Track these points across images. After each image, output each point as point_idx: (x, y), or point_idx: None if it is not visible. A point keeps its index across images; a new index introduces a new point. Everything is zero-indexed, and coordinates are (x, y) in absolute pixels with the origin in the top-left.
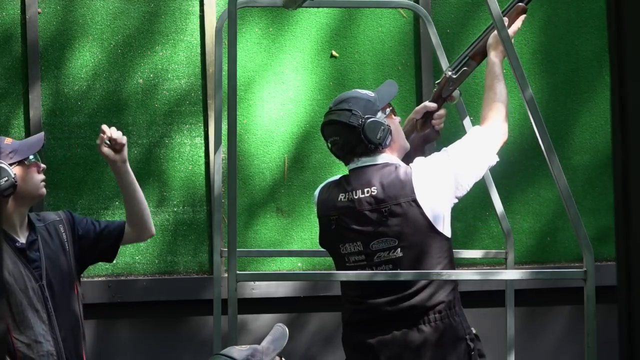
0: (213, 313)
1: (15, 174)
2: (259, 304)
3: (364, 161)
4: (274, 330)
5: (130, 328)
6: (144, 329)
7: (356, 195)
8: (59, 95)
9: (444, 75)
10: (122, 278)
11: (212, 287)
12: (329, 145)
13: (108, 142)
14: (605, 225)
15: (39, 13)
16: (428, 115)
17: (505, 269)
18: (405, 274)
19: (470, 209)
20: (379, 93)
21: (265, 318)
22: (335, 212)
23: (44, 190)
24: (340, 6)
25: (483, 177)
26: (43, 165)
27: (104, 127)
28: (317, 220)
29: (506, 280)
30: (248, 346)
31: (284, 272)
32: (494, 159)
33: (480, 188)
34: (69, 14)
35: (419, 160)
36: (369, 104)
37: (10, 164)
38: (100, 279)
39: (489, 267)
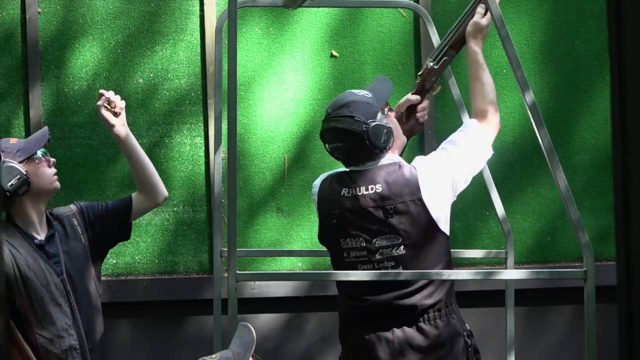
0: (213, 313)
1: (26, 171)
2: (259, 304)
3: (368, 165)
4: (240, 332)
5: (130, 328)
6: (144, 329)
7: (360, 192)
8: (59, 95)
9: (425, 66)
10: (122, 278)
11: (212, 287)
12: (329, 150)
13: (107, 104)
14: (605, 225)
15: (39, 13)
16: (412, 108)
17: (505, 269)
18: (406, 274)
19: (470, 209)
20: (374, 92)
21: (265, 318)
22: (338, 207)
23: (57, 184)
24: (340, 6)
25: (483, 177)
26: (53, 159)
27: (102, 90)
28: (317, 219)
29: (506, 280)
30: (217, 354)
31: (284, 272)
32: (490, 152)
33: (480, 188)
34: (69, 14)
35: (422, 160)
36: (368, 107)
37: (20, 162)
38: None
39: (489, 267)
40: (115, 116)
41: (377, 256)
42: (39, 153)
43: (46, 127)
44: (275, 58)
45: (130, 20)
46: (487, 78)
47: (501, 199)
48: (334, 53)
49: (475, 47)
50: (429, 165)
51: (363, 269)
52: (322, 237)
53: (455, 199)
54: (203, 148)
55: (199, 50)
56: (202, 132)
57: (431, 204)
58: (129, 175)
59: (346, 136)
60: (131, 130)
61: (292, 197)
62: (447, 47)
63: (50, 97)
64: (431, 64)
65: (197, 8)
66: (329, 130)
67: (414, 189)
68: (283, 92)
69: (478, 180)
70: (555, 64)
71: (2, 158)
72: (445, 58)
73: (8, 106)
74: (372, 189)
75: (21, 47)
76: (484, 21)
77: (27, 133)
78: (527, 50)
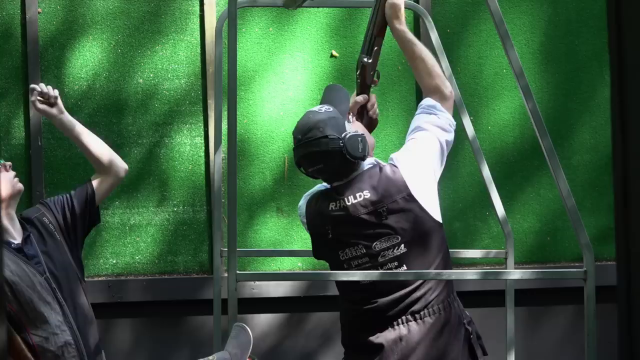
0: (213, 313)
1: None
2: (259, 304)
3: (351, 176)
4: (235, 333)
5: (130, 328)
6: (144, 329)
7: (349, 202)
8: (59, 95)
9: (359, 64)
10: (122, 278)
11: (212, 287)
12: (310, 174)
13: (41, 97)
14: (605, 225)
15: (39, 13)
16: (362, 108)
17: (505, 269)
18: (406, 274)
19: (470, 209)
20: (332, 103)
21: (265, 318)
22: (330, 222)
23: (19, 185)
24: (340, 6)
25: (483, 177)
26: (8, 163)
27: (33, 85)
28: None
29: (506, 280)
30: (214, 356)
31: (284, 272)
32: (454, 123)
33: (480, 188)
34: (69, 14)
35: (399, 156)
36: (335, 121)
37: None
38: (100, 279)
39: (489, 267)
40: (51, 107)
41: (380, 259)
42: None
43: None
44: (275, 58)
45: (130, 20)
46: (423, 52)
47: (501, 199)
48: (334, 53)
49: (399, 25)
50: (407, 159)
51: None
52: (318, 253)
53: (436, 181)
54: (203, 148)
55: (199, 50)
56: (202, 132)
57: (421, 197)
58: (129, 176)
59: (326, 157)
60: (131, 130)
61: (292, 197)
62: (373, 37)
63: None
64: (365, 59)
65: (197, 8)
66: (306, 156)
67: (401, 186)
68: (283, 92)
69: (478, 180)
70: (555, 64)
71: None
72: (375, 48)
73: (8, 106)
74: (360, 196)
75: (21, 47)
76: None
77: (27, 133)
78: (527, 50)
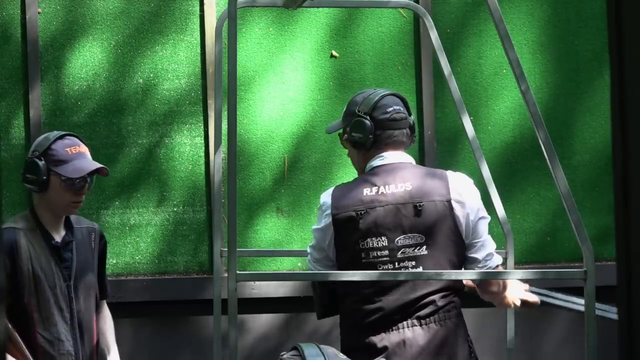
0: (213, 313)
1: (46, 178)
2: (259, 304)
3: (396, 157)
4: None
5: (130, 328)
6: (144, 329)
7: (388, 190)
8: (59, 95)
9: None
10: (122, 278)
11: (212, 287)
12: (389, 114)
13: None
14: (605, 225)
15: (39, 13)
16: None
17: (505, 269)
18: (405, 274)
19: None
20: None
21: (265, 318)
22: (363, 206)
23: (72, 210)
24: (340, 6)
25: (483, 177)
26: (82, 192)
27: None
28: (321, 220)
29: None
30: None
31: (284, 272)
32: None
33: (480, 188)
34: (69, 14)
35: (454, 172)
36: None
37: (49, 169)
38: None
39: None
40: None
41: (399, 255)
42: (74, 178)
43: (102, 167)
44: (275, 58)
45: (130, 20)
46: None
47: (501, 199)
48: (334, 53)
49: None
50: (464, 179)
51: (383, 269)
52: (340, 241)
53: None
54: (203, 148)
55: (199, 50)
56: (202, 132)
57: (458, 210)
58: (129, 176)
59: (407, 116)
60: (131, 130)
61: (292, 197)
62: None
63: (50, 97)
64: None
65: (197, 8)
66: (398, 108)
67: (444, 190)
68: (283, 92)
69: (478, 180)
70: (555, 64)
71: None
72: None
73: (8, 106)
74: (401, 186)
75: (21, 47)
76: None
77: (27, 133)
78: (527, 50)
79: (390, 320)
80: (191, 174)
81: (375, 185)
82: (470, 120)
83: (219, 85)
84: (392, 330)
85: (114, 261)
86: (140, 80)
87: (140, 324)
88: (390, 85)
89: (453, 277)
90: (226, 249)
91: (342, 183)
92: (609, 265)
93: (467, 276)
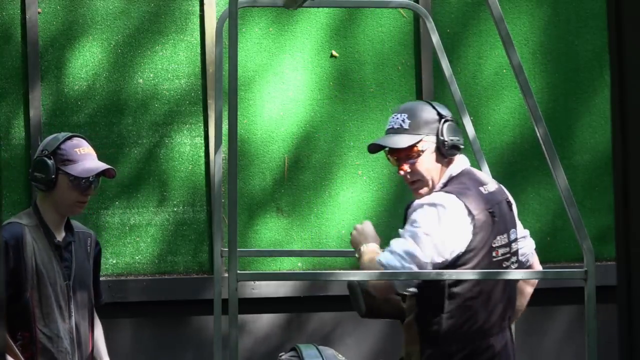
0: (213, 313)
1: (54, 177)
2: (259, 304)
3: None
4: None
5: (131, 328)
6: (144, 329)
7: (493, 188)
8: (59, 95)
9: None
10: (122, 278)
11: (212, 287)
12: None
13: None
14: (605, 225)
15: (39, 13)
16: None
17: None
18: (405, 274)
19: None
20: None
21: (265, 318)
22: (490, 205)
23: (77, 210)
24: (340, 6)
25: None
26: (89, 192)
27: None
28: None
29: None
30: None
31: (284, 272)
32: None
33: None
34: (69, 14)
35: None
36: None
37: (58, 168)
38: (100, 279)
39: None
40: None
41: (513, 249)
42: (80, 178)
43: (110, 168)
44: (275, 58)
45: (130, 20)
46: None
47: None
48: (334, 53)
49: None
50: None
51: (506, 266)
52: (475, 243)
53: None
54: (203, 148)
55: (199, 50)
56: (202, 132)
57: (513, 208)
58: (129, 176)
59: None
60: (131, 130)
61: (292, 197)
62: None
63: (50, 97)
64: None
65: (197, 8)
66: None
67: (504, 192)
68: (283, 92)
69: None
70: (555, 64)
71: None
72: None
73: (8, 106)
74: (492, 185)
75: (21, 47)
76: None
77: (27, 133)
78: (527, 50)
79: (496, 320)
80: (191, 174)
81: (484, 185)
82: (471, 120)
83: (219, 86)
84: (498, 332)
85: (114, 261)
86: (140, 80)
87: (141, 324)
88: (390, 85)
89: (454, 277)
90: (226, 249)
91: (447, 186)
92: (609, 265)
93: (467, 276)
